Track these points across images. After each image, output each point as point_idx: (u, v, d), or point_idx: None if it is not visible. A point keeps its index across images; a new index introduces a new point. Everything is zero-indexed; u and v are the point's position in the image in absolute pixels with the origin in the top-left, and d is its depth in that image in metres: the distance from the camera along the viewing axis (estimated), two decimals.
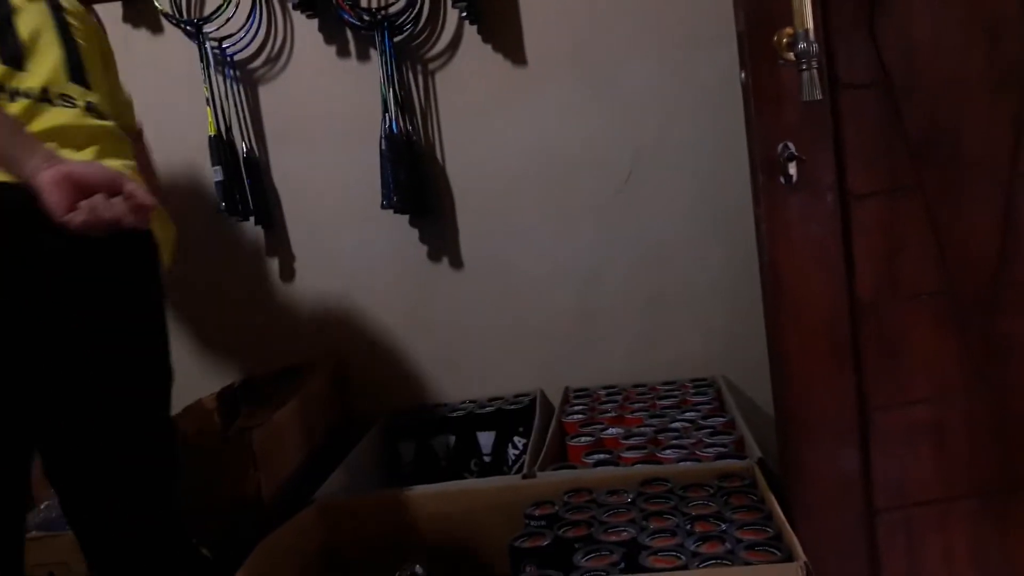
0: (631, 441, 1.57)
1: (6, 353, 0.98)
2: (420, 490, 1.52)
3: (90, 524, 1.10)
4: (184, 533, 1.16)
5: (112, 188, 0.95)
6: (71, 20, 1.23)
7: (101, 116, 1.19)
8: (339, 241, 2.08)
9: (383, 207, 1.99)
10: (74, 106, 1.14)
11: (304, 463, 1.73)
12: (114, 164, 1.12)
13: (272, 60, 2.05)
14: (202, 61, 1.98)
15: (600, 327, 2.05)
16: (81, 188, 0.93)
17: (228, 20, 1.98)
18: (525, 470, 1.49)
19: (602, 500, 1.35)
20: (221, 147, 1.98)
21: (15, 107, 1.06)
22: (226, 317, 2.10)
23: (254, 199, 2.02)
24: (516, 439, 1.83)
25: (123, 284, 1.09)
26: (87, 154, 1.11)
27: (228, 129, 2.01)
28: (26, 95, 1.09)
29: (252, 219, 2.04)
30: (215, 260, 2.09)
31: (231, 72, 2.03)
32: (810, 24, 1.25)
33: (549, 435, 1.65)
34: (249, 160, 2.03)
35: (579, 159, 2.03)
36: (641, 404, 1.78)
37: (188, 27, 1.97)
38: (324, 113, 2.05)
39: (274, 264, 2.10)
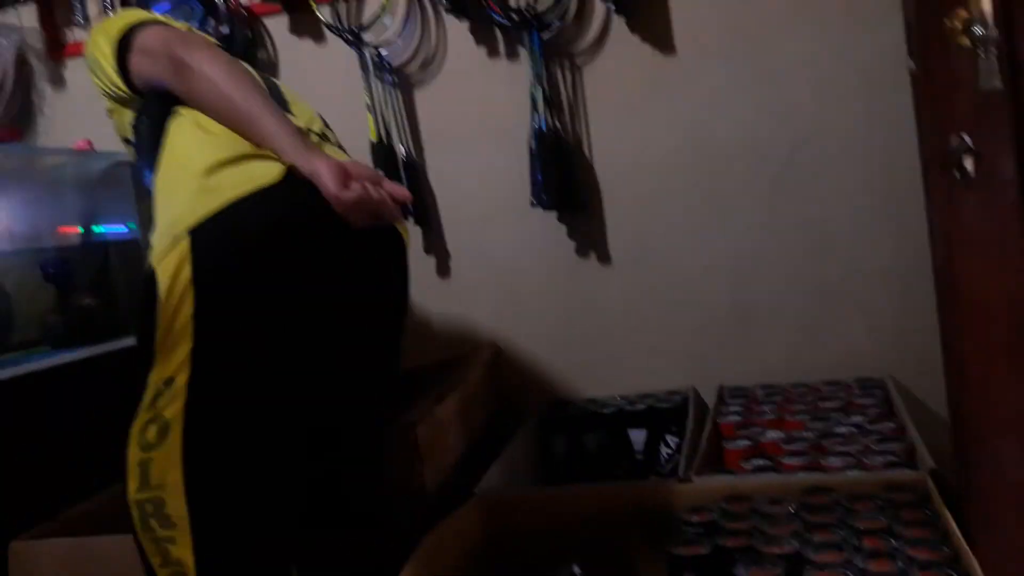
0: (792, 446, 1.52)
1: (298, 330, 1.14)
2: (576, 488, 1.54)
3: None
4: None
5: (375, 182, 1.11)
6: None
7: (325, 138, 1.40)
8: (491, 238, 2.13)
9: (532, 205, 2.01)
10: (329, 141, 1.36)
11: (464, 454, 1.79)
12: None
13: (427, 64, 2.12)
14: (362, 69, 2.07)
15: (756, 322, 2.00)
16: (351, 176, 1.09)
17: (385, 27, 2.06)
18: (680, 473, 1.48)
19: (762, 509, 1.33)
20: (382, 152, 2.07)
21: None
22: None
23: (414, 200, 2.10)
24: (668, 438, 1.82)
25: (388, 273, 1.29)
26: None
27: (388, 134, 2.09)
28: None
29: (411, 219, 2.12)
30: None
31: (389, 78, 2.11)
32: (988, 6, 1.15)
33: (704, 437, 1.63)
34: (408, 163, 2.11)
35: (733, 148, 1.98)
36: (802, 405, 1.73)
37: (348, 36, 2.06)
38: (476, 113, 2.10)
39: (431, 261, 2.18)
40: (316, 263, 1.14)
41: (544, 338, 2.13)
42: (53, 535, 1.47)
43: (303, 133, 1.20)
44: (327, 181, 1.07)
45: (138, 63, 1.20)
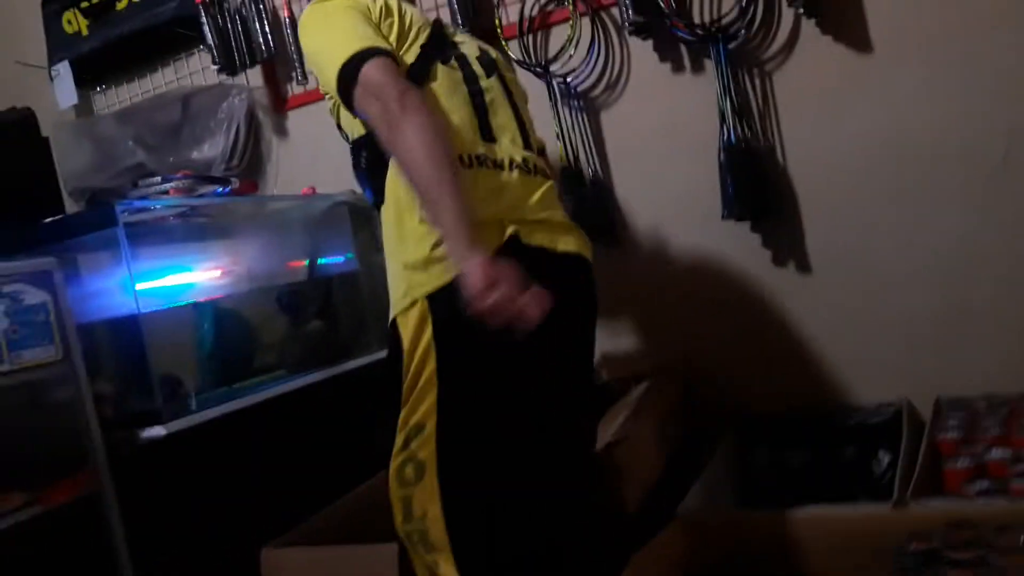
0: (1022, 467, 1.42)
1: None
2: (782, 512, 1.52)
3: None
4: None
5: (519, 288, 1.13)
6: (511, 86, 1.48)
7: (544, 174, 1.44)
8: (683, 251, 2.14)
9: (724, 218, 2.00)
10: (528, 171, 1.39)
11: (662, 473, 1.81)
12: (556, 214, 1.40)
13: (611, 85, 2.16)
14: (550, 99, 2.14)
15: (974, 327, 1.87)
16: (496, 279, 1.13)
17: (570, 56, 2.12)
18: (895, 496, 1.43)
19: (990, 539, 1.25)
20: (570, 175, 2.14)
21: (491, 175, 1.33)
22: None
23: (600, 219, 2.14)
24: (881, 454, 1.74)
25: (585, 302, 1.43)
26: (538, 206, 1.38)
27: (576, 158, 2.15)
28: (499, 165, 1.36)
29: (601, 238, 2.16)
30: None
31: (576, 103, 2.17)
32: None
33: (921, 455, 1.55)
34: (594, 182, 2.16)
35: (940, 144, 1.87)
36: None
37: (538, 69, 2.15)
38: (662, 128, 2.11)
39: (619, 277, 2.20)
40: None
41: (741, 350, 2.10)
42: (297, 544, 1.64)
43: (469, 225, 1.19)
44: (471, 283, 1.13)
45: (361, 99, 1.26)
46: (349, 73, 1.26)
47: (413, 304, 1.25)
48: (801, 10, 1.91)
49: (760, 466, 1.89)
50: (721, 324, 2.11)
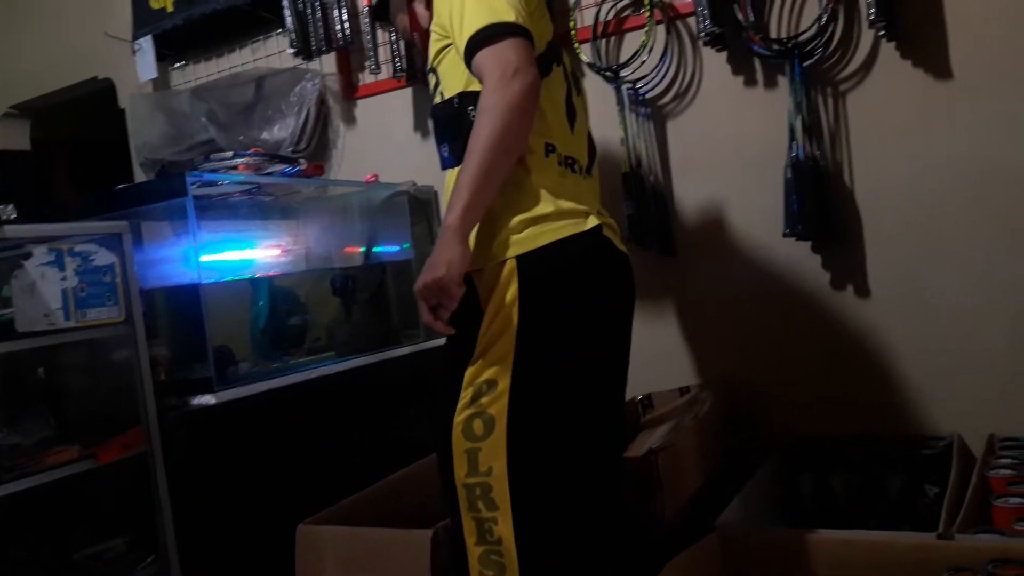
0: None
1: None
2: (823, 534, 1.49)
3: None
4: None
5: (437, 301, 1.24)
6: (584, 107, 1.53)
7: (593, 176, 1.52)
8: (739, 265, 2.11)
9: (785, 235, 1.98)
10: (585, 174, 1.46)
11: (702, 487, 1.80)
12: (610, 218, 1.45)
13: (681, 95, 2.15)
14: (618, 104, 2.14)
15: None
16: (432, 282, 1.22)
17: (642, 63, 2.12)
18: (940, 528, 1.39)
19: None
20: (632, 181, 2.13)
21: (575, 178, 1.41)
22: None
23: (660, 230, 2.14)
24: (927, 487, 1.70)
25: (631, 295, 1.47)
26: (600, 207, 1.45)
27: (638, 164, 2.15)
28: (578, 171, 1.43)
29: (658, 249, 2.15)
30: None
31: (643, 110, 2.17)
32: None
33: (969, 491, 1.51)
34: (655, 191, 2.16)
35: (1022, 180, 1.81)
36: None
37: (608, 73, 2.15)
38: (730, 142, 2.10)
39: (675, 290, 2.20)
40: (602, 292, 1.34)
41: (793, 371, 2.07)
42: (334, 522, 1.65)
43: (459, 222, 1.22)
44: (424, 271, 1.23)
45: (483, 63, 1.22)
46: (486, 37, 1.23)
47: (501, 262, 1.26)
48: (882, 32, 1.88)
49: (803, 489, 1.86)
50: (774, 342, 2.09)
